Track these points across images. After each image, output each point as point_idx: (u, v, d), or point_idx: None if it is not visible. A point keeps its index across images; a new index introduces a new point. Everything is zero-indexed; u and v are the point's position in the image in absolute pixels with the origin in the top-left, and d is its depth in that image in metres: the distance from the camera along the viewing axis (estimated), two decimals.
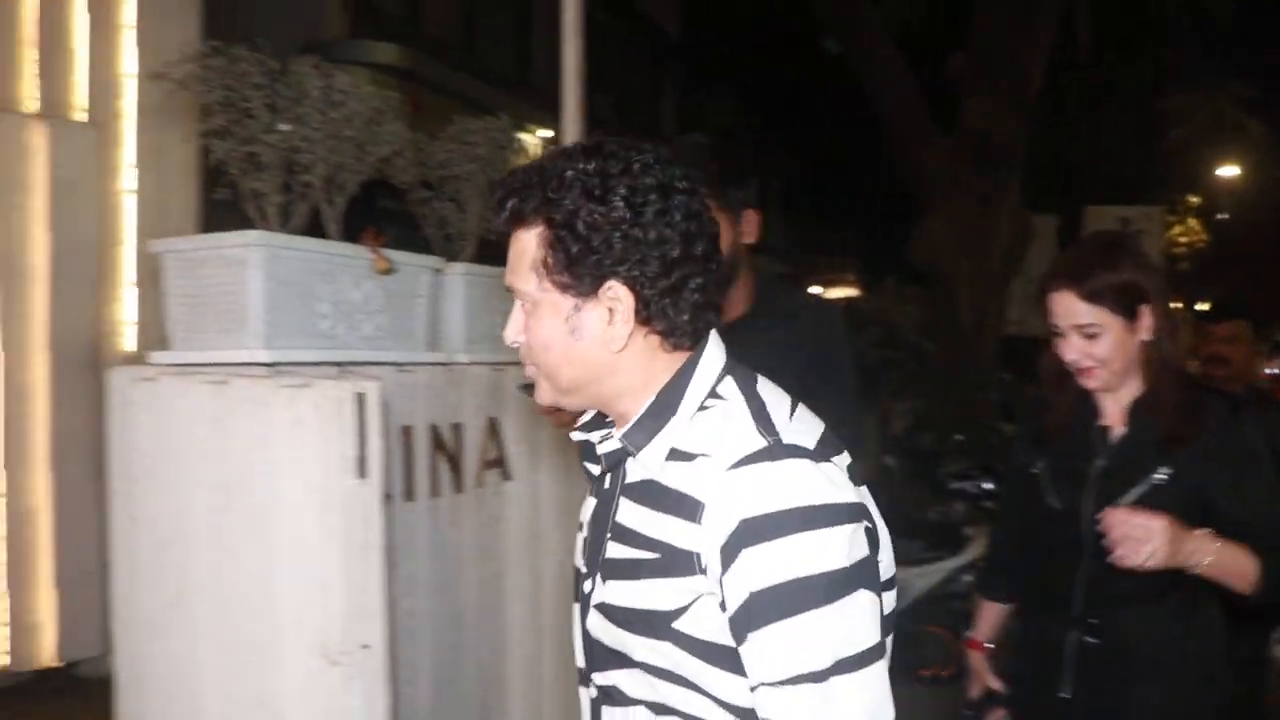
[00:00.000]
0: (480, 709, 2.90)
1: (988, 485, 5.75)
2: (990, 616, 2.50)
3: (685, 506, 1.15)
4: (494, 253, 3.21)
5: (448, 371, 2.78)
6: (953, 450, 6.83)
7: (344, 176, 2.65)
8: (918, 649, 4.58)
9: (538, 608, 3.11)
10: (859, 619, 1.11)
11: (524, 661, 3.06)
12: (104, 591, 2.41)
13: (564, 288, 1.19)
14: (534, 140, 3.13)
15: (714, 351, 1.25)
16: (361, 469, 1.95)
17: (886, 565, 1.24)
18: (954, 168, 8.43)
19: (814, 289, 18.78)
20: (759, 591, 1.08)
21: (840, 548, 1.10)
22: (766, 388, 1.24)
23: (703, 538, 1.12)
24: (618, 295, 1.18)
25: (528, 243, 1.21)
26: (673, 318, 1.19)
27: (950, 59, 9.29)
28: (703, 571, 1.13)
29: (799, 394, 1.27)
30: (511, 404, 2.94)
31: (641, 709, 1.23)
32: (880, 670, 1.14)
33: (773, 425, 1.17)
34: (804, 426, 1.20)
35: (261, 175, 2.53)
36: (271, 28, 5.45)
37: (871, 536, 1.18)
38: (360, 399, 1.93)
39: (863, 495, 1.20)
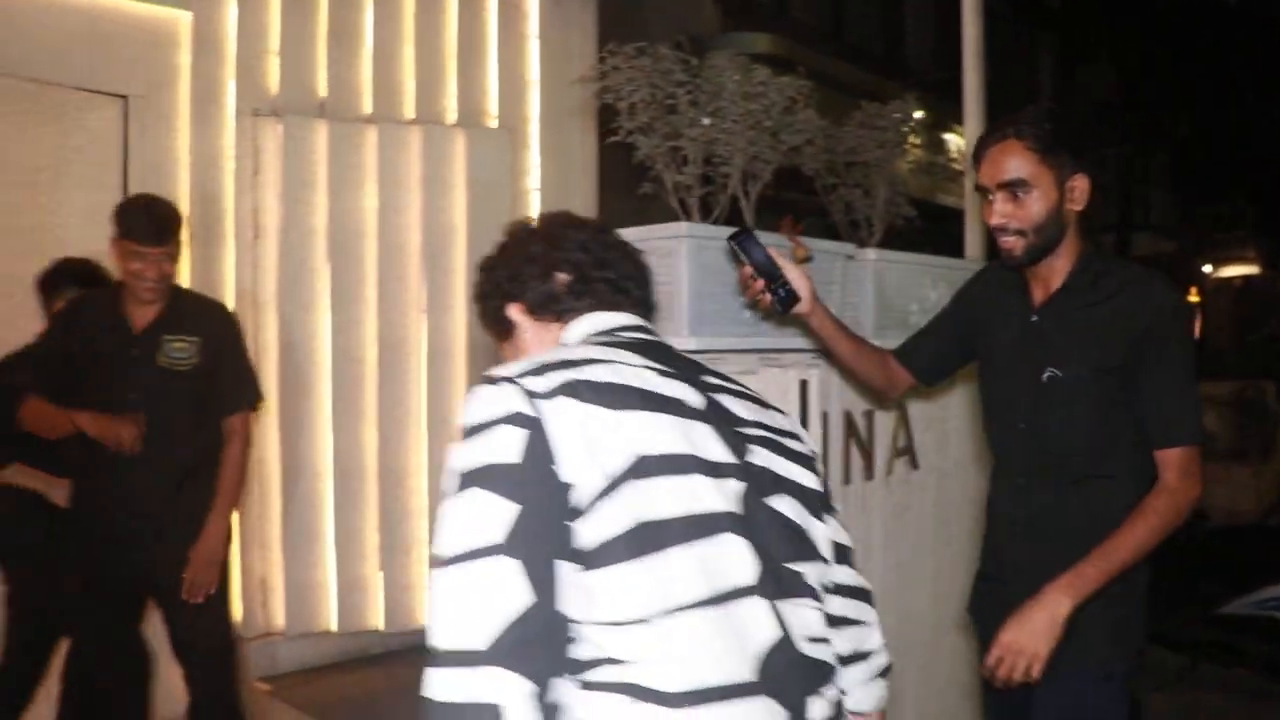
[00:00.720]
0: None
1: None
2: None
3: None
4: (898, 240, 3.19)
5: None
6: None
7: (758, 166, 2.70)
8: None
9: (939, 598, 3.04)
10: (470, 517, 1.13)
11: (923, 650, 3.00)
12: None
13: None
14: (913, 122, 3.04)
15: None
16: None
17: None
18: None
19: (1205, 268, 17.14)
20: None
21: (473, 451, 1.16)
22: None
23: None
24: None
25: None
26: None
27: None
28: None
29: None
30: (918, 392, 2.89)
31: None
32: (485, 570, 1.10)
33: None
34: (537, 360, 1.25)
35: (685, 169, 2.63)
36: (650, 26, 5.68)
37: (537, 446, 1.16)
38: (803, 386, 1.95)
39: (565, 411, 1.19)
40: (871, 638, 1.47)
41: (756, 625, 1.20)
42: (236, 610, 4.04)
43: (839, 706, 1.31)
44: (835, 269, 2.74)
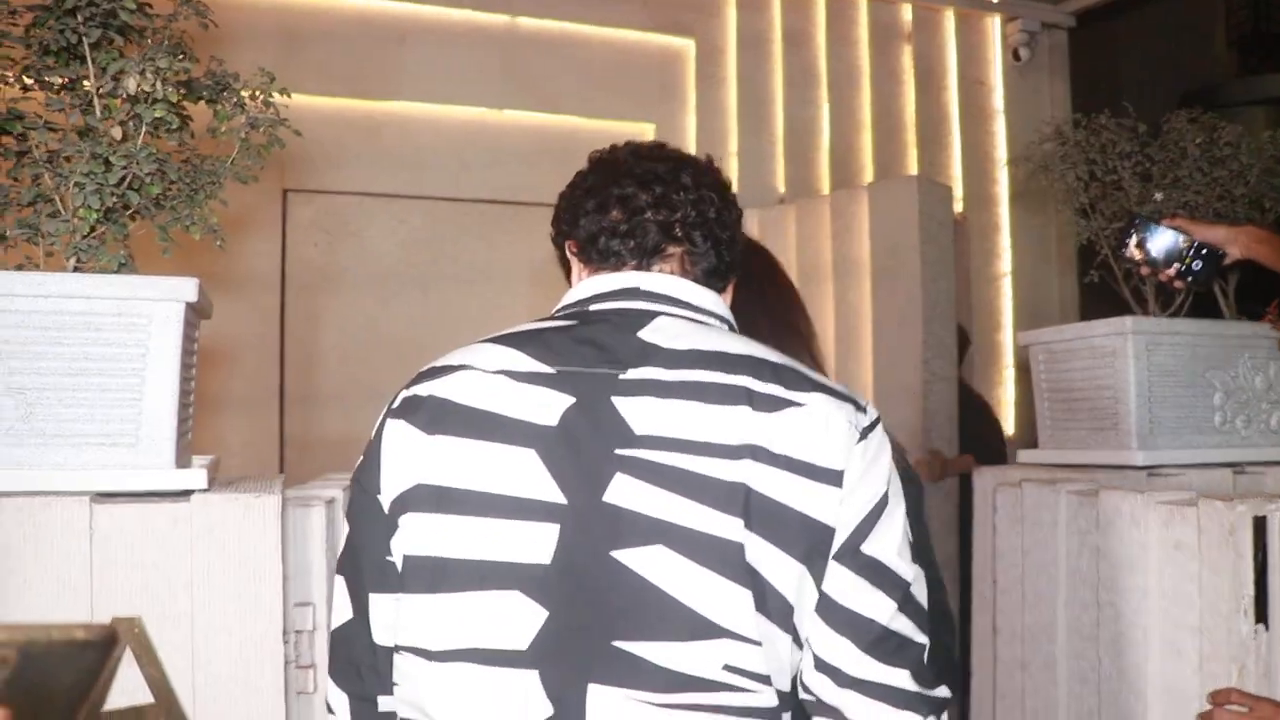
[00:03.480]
0: None
1: None
2: None
3: None
4: None
5: None
6: None
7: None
8: None
9: None
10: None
11: None
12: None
13: None
14: None
15: None
16: (1261, 614, 1.56)
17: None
18: None
19: None
20: None
21: None
22: None
23: None
24: None
25: None
26: None
27: None
28: None
29: None
30: None
31: None
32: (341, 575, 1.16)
33: None
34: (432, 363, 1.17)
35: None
36: (1143, 84, 5.09)
37: (368, 465, 1.14)
38: (1262, 524, 1.54)
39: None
40: None
41: (524, 705, 1.01)
42: None
43: None
44: None
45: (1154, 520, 1.64)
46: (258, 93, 1.75)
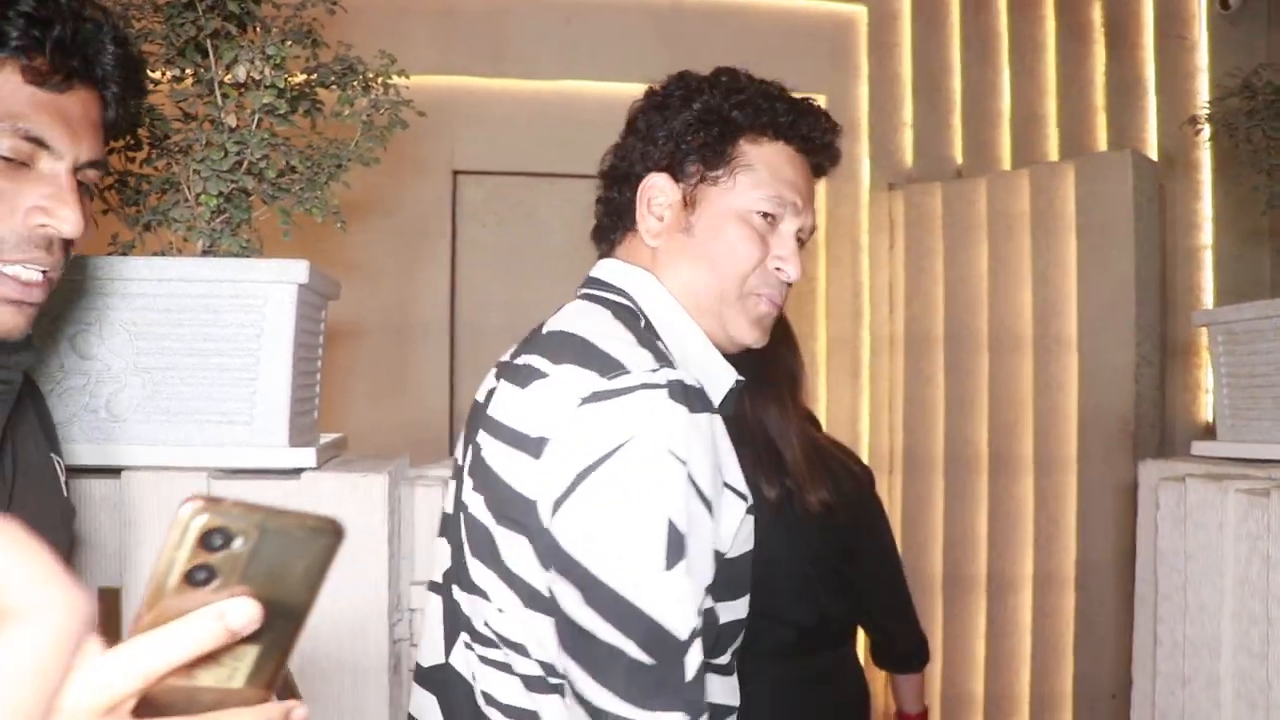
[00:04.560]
0: None
1: None
2: None
3: None
4: None
5: None
6: None
7: None
8: None
9: None
10: None
11: None
12: None
13: None
14: None
15: None
16: None
17: None
18: None
19: None
20: None
21: None
22: None
23: None
24: None
25: None
26: None
27: None
28: None
29: None
30: None
31: None
32: None
33: None
34: None
35: None
36: None
37: None
38: None
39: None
40: None
41: (433, 619, 1.23)
42: None
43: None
44: None
45: None
46: (377, 76, 1.77)
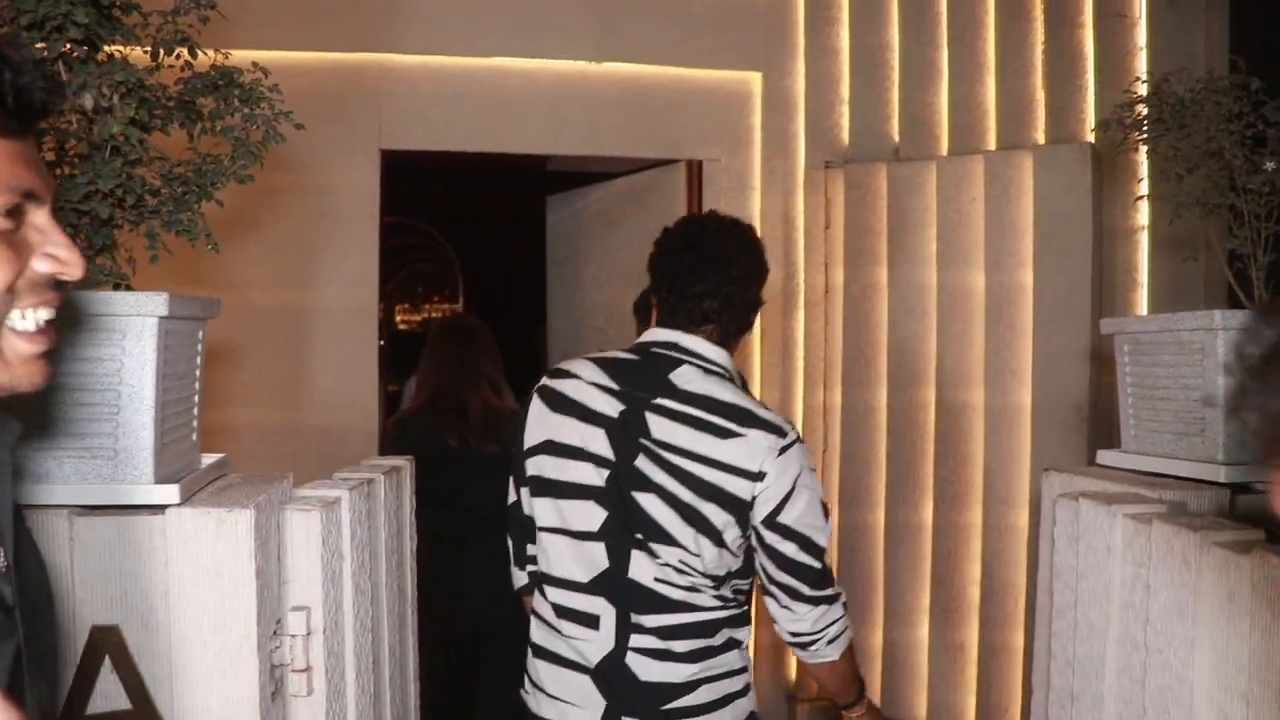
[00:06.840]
0: None
1: None
2: None
3: None
4: None
5: None
6: None
7: None
8: None
9: None
10: None
11: None
12: None
13: None
14: None
15: None
16: None
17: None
18: None
19: None
20: None
21: None
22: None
23: None
24: None
25: None
26: None
27: None
28: None
29: None
30: None
31: None
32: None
33: None
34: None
35: (1237, 232, 2.00)
36: None
37: (520, 418, 2.14)
38: None
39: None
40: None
41: (591, 555, 1.92)
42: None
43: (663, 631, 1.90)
44: None
45: (1207, 564, 1.44)
46: (251, 88, 1.70)
